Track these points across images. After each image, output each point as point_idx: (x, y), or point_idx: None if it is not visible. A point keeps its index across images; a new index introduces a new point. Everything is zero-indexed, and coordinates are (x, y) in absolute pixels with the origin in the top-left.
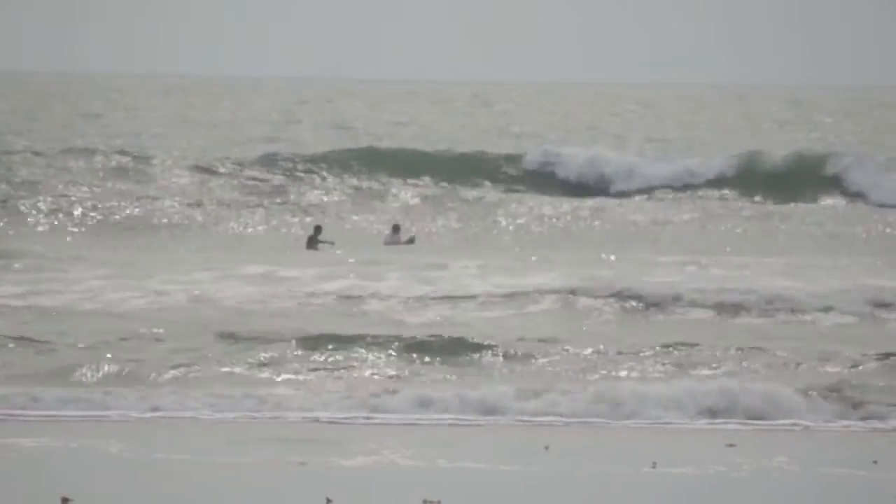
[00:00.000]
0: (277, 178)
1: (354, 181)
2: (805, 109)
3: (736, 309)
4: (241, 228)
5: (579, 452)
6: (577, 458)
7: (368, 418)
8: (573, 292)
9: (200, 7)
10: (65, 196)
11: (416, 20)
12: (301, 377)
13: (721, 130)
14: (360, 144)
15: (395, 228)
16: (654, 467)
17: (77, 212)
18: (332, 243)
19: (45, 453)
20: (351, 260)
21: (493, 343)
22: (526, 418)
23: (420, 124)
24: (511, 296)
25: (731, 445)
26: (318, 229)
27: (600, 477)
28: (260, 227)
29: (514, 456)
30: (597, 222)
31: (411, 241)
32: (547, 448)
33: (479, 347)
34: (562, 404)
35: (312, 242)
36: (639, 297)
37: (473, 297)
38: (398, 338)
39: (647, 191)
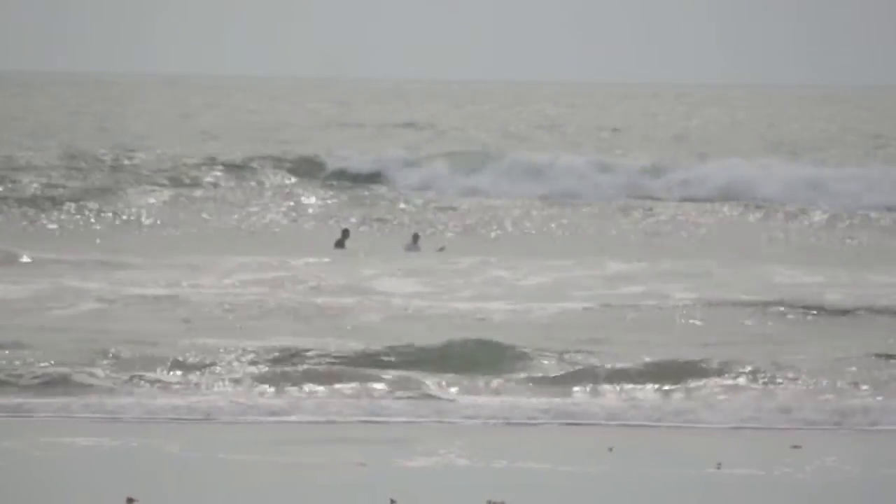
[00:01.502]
0: None
1: None
2: None
3: None
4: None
5: (644, 454)
6: (641, 460)
7: (433, 419)
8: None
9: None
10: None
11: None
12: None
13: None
14: None
15: (415, 238)
16: (718, 468)
17: None
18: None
19: (105, 453)
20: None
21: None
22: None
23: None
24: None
25: (796, 447)
26: (345, 233)
27: (664, 478)
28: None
29: (579, 457)
30: None
31: (440, 252)
32: (611, 449)
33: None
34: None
35: (340, 246)
36: None
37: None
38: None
39: None
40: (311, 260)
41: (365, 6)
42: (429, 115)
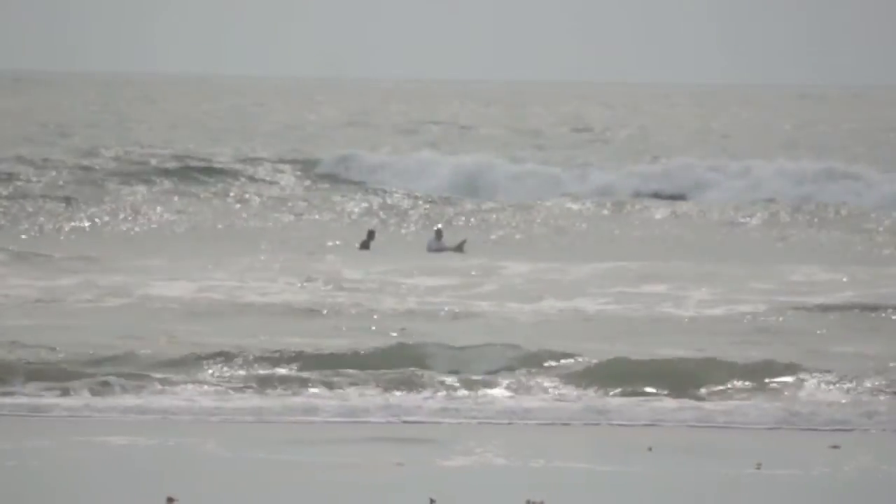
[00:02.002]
0: None
1: None
2: None
3: None
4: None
5: (683, 454)
6: (680, 460)
7: (466, 419)
8: None
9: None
10: None
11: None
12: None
13: None
14: None
15: (438, 234)
16: (758, 468)
17: None
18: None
19: (140, 452)
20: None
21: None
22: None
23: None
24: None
25: (835, 447)
26: (371, 234)
27: (704, 478)
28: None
29: (617, 457)
30: None
31: (461, 245)
32: (651, 449)
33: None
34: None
35: (366, 247)
36: None
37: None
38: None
39: None
40: (337, 259)
41: (366, 6)
42: (453, 115)
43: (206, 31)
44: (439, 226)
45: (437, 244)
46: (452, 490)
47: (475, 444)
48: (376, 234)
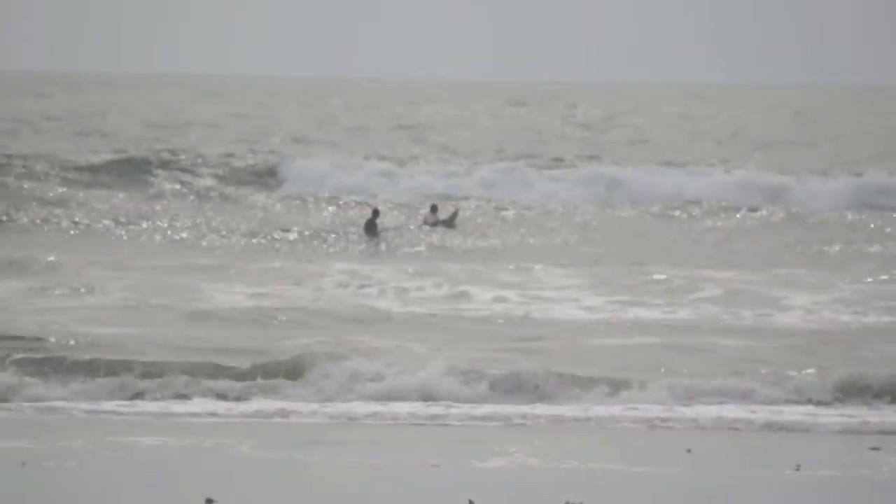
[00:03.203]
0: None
1: None
2: None
3: None
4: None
5: (722, 455)
6: (719, 461)
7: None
8: None
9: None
10: None
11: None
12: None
13: None
14: None
15: (433, 208)
16: (797, 470)
17: None
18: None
19: (176, 453)
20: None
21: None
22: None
23: None
24: None
25: (875, 448)
26: (375, 213)
27: (742, 480)
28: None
29: (657, 458)
30: None
31: (453, 217)
32: (689, 451)
33: None
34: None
35: (371, 227)
36: None
37: None
38: None
39: None
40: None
41: (367, 6)
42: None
43: (201, 31)
44: (434, 202)
45: (432, 217)
46: (491, 491)
47: (509, 446)
48: (380, 212)
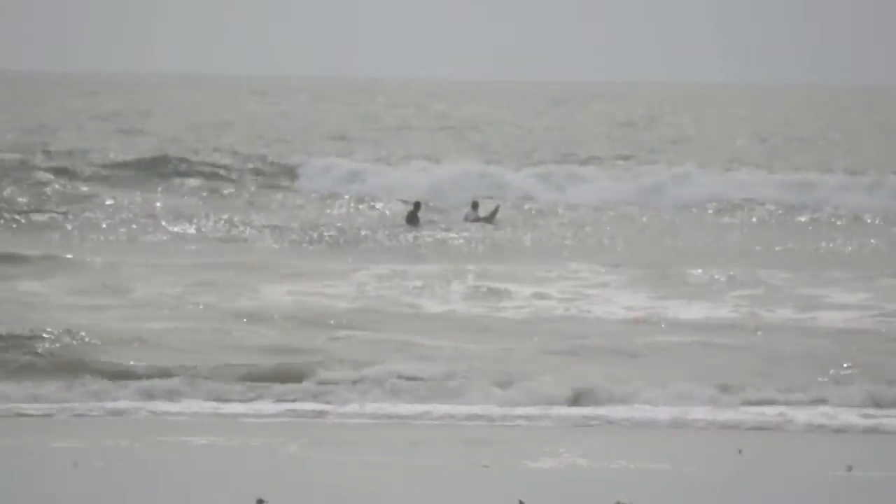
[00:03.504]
0: None
1: None
2: None
3: None
4: None
5: (773, 457)
6: (770, 462)
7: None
8: None
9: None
10: None
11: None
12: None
13: None
14: None
15: (474, 205)
16: (849, 471)
17: None
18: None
19: (224, 453)
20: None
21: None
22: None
23: None
24: None
25: None
26: (417, 205)
27: (793, 481)
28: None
29: (708, 459)
30: None
31: (494, 214)
32: (741, 451)
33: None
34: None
35: (413, 219)
36: None
37: None
38: None
39: None
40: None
41: (369, 5)
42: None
43: (198, 31)
44: (475, 199)
45: (473, 214)
46: (542, 491)
47: (559, 446)
48: (421, 205)
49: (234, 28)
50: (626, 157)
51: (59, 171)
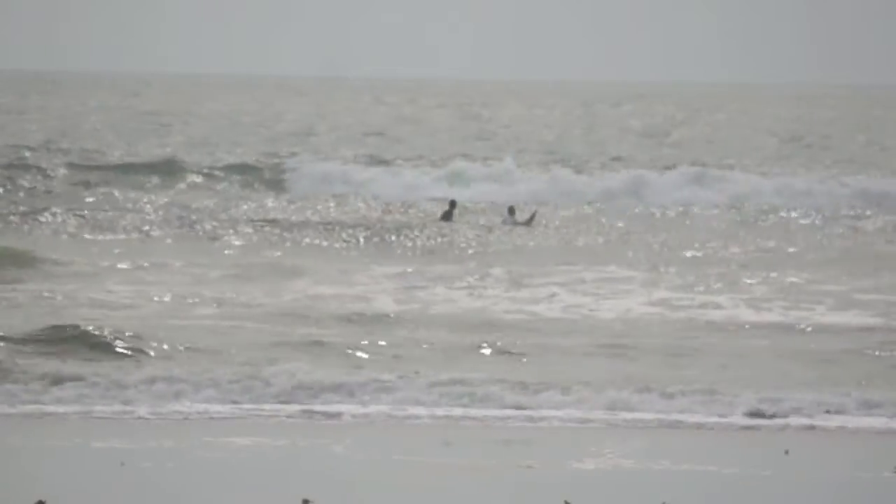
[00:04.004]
0: None
1: None
2: None
3: None
4: None
5: (819, 457)
6: (817, 463)
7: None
8: None
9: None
10: None
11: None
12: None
13: None
14: None
15: (511, 210)
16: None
17: None
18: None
19: (270, 453)
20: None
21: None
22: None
23: None
24: None
25: None
26: (452, 204)
27: (839, 482)
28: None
29: (754, 460)
30: None
31: (532, 219)
32: (787, 452)
33: None
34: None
35: (447, 217)
36: None
37: None
38: None
39: None
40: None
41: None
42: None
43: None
44: (511, 204)
45: (511, 219)
46: (586, 492)
47: (604, 447)
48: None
49: (288, 28)
50: (662, 158)
51: (76, 168)
